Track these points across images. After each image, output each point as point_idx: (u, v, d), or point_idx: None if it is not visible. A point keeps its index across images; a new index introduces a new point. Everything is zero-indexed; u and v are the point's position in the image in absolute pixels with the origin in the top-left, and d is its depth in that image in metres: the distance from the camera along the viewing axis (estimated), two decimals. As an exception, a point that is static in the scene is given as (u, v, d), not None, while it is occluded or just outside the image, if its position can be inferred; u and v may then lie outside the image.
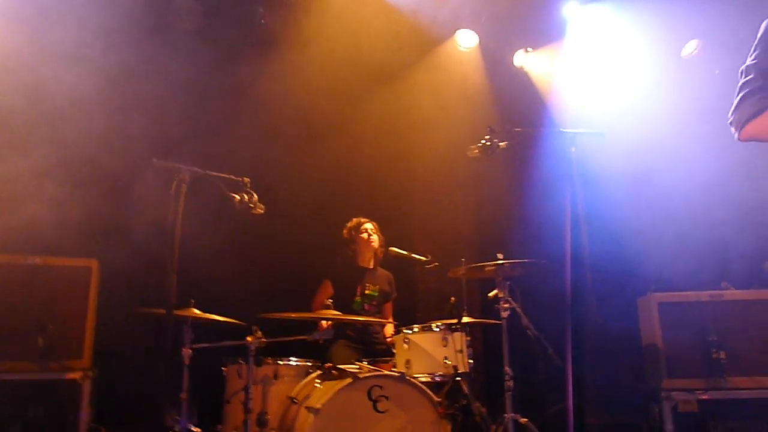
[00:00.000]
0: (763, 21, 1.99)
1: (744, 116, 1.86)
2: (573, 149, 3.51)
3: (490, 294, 4.07)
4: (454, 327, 3.62)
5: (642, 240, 4.44)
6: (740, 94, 1.90)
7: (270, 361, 3.46)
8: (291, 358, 3.58)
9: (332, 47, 4.77)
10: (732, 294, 4.21)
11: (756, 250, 4.77)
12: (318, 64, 4.79)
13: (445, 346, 3.55)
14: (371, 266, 4.61)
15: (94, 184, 4.19)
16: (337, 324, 3.96)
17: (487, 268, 4.09)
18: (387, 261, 4.64)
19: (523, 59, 5.44)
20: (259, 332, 3.36)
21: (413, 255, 4.38)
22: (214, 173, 3.16)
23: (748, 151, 1.97)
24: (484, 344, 5.38)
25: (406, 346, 3.57)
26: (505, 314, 3.76)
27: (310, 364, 3.59)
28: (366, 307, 4.46)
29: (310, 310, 4.19)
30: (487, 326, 4.53)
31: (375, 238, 4.58)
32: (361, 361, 3.64)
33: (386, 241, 4.59)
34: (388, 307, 4.69)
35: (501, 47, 5.39)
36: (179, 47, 4.39)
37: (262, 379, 3.32)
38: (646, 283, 4.36)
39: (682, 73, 5.17)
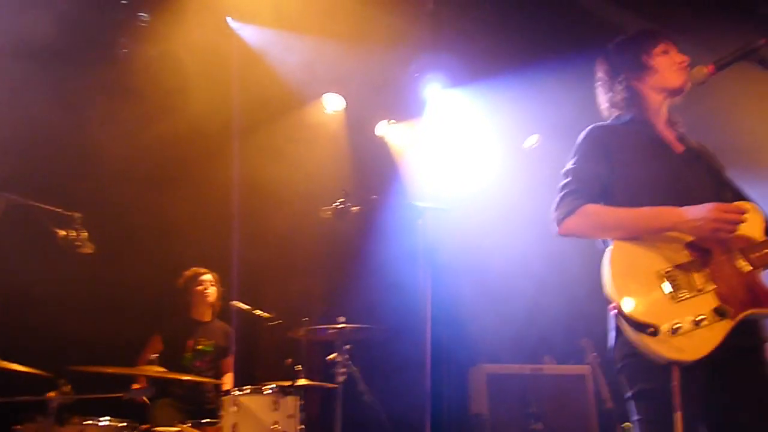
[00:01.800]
0: (585, 128, 2.26)
1: (561, 214, 2.07)
2: (420, 222, 3.67)
3: (330, 357, 4.04)
4: (287, 390, 3.50)
5: (477, 313, 4.70)
6: (560, 194, 2.12)
7: (76, 421, 3.09)
8: (103, 418, 3.21)
9: (194, 94, 4.65)
10: (550, 368, 4.57)
11: (572, 326, 5.25)
12: (176, 108, 4.62)
13: (276, 409, 3.40)
14: (206, 319, 4.38)
15: None
16: (163, 381, 3.67)
17: (329, 331, 4.07)
18: (228, 315, 4.44)
19: (384, 129, 5.68)
20: (68, 386, 3.00)
21: (256, 311, 4.24)
22: (37, 204, 2.87)
23: (565, 239, 2.18)
24: (321, 409, 5.26)
25: (234, 408, 3.37)
26: (340, 378, 3.72)
27: (123, 425, 3.24)
28: (197, 363, 4.19)
29: (135, 365, 3.84)
30: (325, 391, 4.46)
31: (212, 290, 4.37)
32: (185, 423, 3.38)
33: (230, 295, 4.40)
34: (228, 362, 4.43)
35: (365, 115, 5.59)
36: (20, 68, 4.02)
37: (62, 442, 2.94)
38: (478, 355, 4.59)
39: (524, 163, 5.72)
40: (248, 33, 5.02)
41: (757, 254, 1.88)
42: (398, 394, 4.37)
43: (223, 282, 4.51)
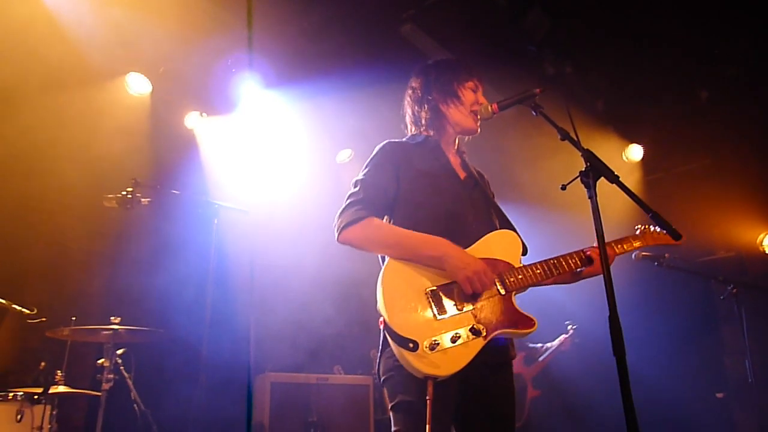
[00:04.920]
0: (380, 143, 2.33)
1: (344, 222, 2.09)
2: (216, 221, 3.50)
3: (100, 361, 3.65)
4: (37, 398, 3.06)
5: (269, 320, 4.61)
6: (347, 202, 2.14)
7: None
8: None
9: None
10: (336, 378, 4.65)
11: (365, 338, 5.42)
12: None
13: (19, 421, 2.96)
14: None
15: None
16: None
17: (104, 332, 3.68)
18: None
19: (195, 122, 5.35)
20: None
21: (14, 305, 3.66)
22: None
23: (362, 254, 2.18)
24: (86, 420, 4.70)
25: (-38, 419, 2.85)
26: (106, 385, 3.38)
27: None
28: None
29: None
30: (93, 399, 3.99)
31: None
32: None
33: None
34: None
35: (175, 104, 5.21)
36: None
37: None
38: (267, 363, 4.50)
39: (335, 175, 5.79)
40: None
41: (513, 279, 2.07)
42: (175, 402, 4.08)
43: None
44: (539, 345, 5.36)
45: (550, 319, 5.28)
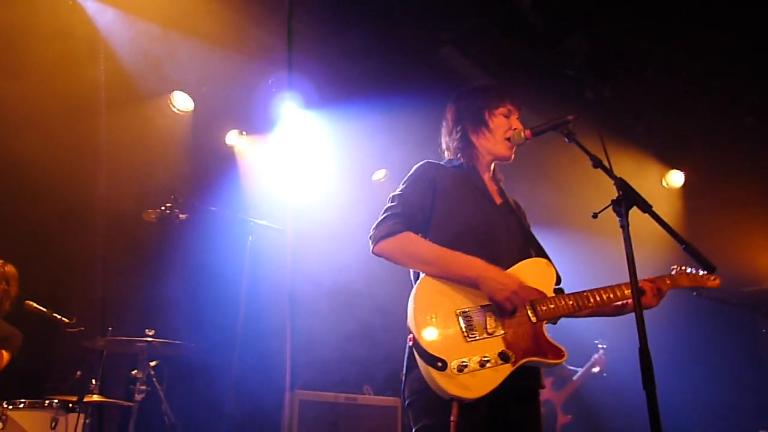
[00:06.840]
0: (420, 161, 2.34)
1: (380, 234, 2.10)
2: (251, 238, 3.56)
3: (133, 372, 3.73)
4: (72, 406, 3.14)
5: (300, 337, 4.63)
6: (383, 215, 2.16)
7: None
8: None
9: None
10: (364, 398, 4.62)
11: (396, 358, 5.37)
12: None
13: (53, 428, 3.03)
14: None
15: None
16: None
17: (138, 344, 3.76)
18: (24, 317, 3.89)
19: (235, 140, 5.48)
20: None
21: (54, 314, 3.78)
22: None
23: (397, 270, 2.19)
24: (118, 429, 4.80)
25: (0, 424, 2.94)
26: (138, 396, 3.44)
27: None
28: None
29: None
30: (125, 409, 4.08)
31: None
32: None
33: (33, 293, 3.87)
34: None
35: (216, 121, 5.36)
36: None
37: None
38: (296, 380, 4.50)
39: (371, 194, 5.83)
40: (96, 9, 4.61)
41: (544, 308, 2.04)
42: (205, 416, 4.14)
43: (21, 278, 3.96)
44: (568, 368, 5.22)
45: (580, 342, 5.15)
